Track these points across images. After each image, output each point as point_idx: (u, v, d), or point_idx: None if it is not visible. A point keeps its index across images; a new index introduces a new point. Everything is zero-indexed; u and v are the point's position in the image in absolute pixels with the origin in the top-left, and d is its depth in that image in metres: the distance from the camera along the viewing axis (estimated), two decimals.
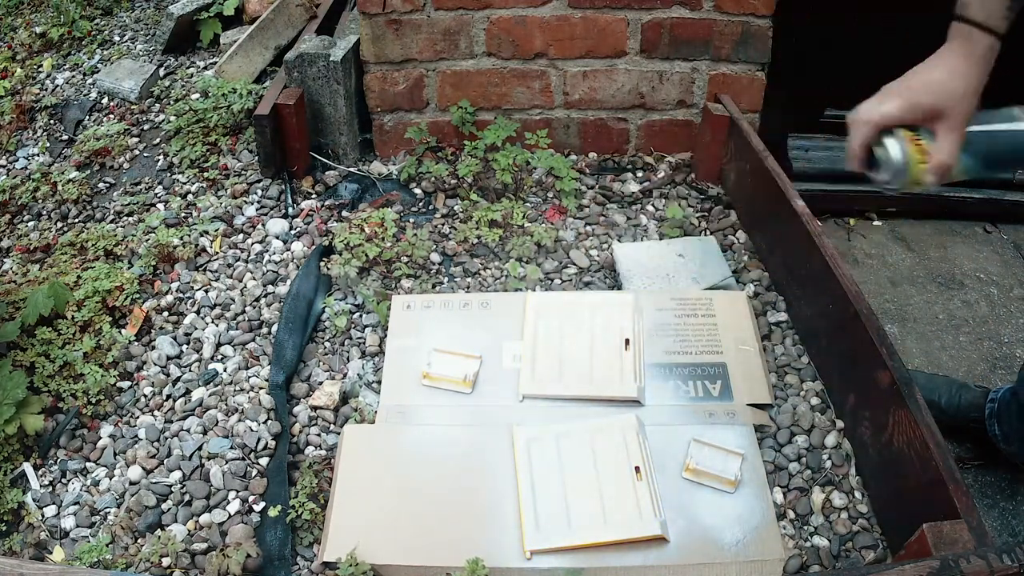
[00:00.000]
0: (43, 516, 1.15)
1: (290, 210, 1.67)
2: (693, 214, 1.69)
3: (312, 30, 1.96)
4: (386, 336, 1.36)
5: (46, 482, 1.20)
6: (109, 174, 1.88)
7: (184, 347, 1.39)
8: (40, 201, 1.80)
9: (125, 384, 1.34)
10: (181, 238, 1.58)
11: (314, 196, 1.72)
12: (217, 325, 1.42)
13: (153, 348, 1.39)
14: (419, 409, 1.23)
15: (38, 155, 1.99)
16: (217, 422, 1.26)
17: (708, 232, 1.64)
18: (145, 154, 1.92)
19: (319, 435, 1.24)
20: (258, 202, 1.70)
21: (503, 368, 1.29)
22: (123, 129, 1.98)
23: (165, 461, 1.21)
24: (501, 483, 1.12)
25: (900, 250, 2.01)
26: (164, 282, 1.52)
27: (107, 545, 1.09)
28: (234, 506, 1.15)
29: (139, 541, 1.11)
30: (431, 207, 1.71)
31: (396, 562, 1.03)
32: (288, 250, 1.58)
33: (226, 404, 1.29)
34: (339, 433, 1.23)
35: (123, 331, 1.41)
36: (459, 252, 1.57)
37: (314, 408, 1.27)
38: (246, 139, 1.85)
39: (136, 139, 1.97)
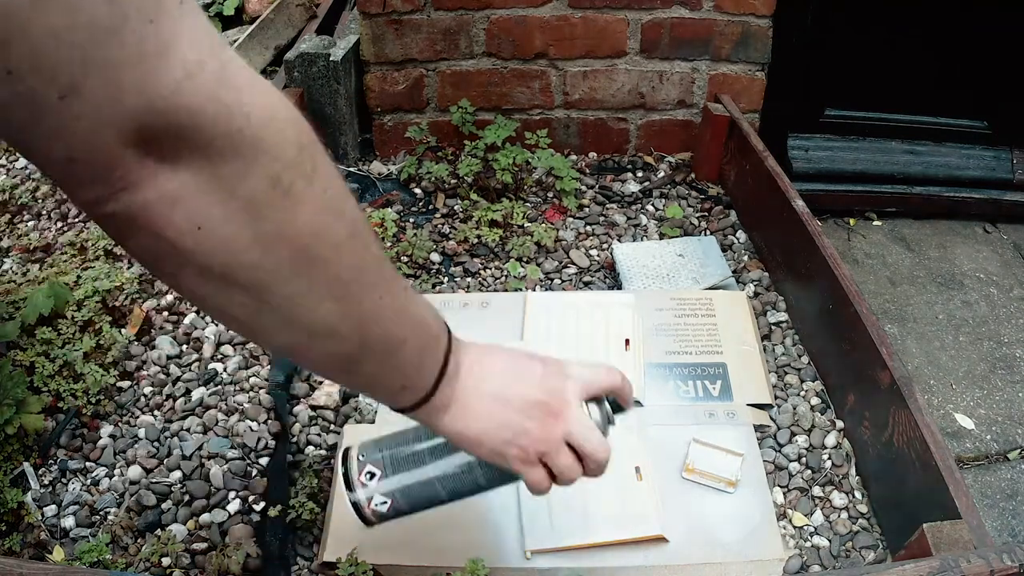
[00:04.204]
0: (43, 516, 1.15)
1: None
2: (693, 214, 1.69)
3: (312, 30, 1.96)
4: None
5: (46, 482, 1.20)
6: None
7: (184, 347, 1.39)
8: (40, 201, 1.80)
9: (125, 384, 1.34)
10: None
11: None
12: (217, 324, 1.42)
13: (153, 348, 1.39)
14: None
15: None
16: (217, 422, 1.26)
17: (708, 232, 1.64)
18: None
19: (319, 435, 1.24)
20: None
21: None
22: None
23: (165, 461, 1.21)
24: None
25: (900, 250, 2.01)
26: None
27: (107, 545, 1.09)
28: (234, 506, 1.15)
29: (139, 541, 1.11)
30: (431, 207, 1.70)
31: (396, 562, 1.03)
32: None
33: (226, 404, 1.29)
34: (339, 433, 1.23)
35: (123, 331, 1.41)
36: (459, 252, 1.57)
37: (314, 408, 1.27)
38: None
39: None
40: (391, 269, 0.63)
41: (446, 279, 1.52)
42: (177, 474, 1.19)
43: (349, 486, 0.81)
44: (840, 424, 1.23)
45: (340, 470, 0.82)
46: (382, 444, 0.83)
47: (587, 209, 1.69)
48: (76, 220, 1.75)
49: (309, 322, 0.58)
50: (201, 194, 0.48)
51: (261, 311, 0.56)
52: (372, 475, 0.80)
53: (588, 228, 1.65)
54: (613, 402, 0.78)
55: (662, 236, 1.62)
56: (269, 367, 1.34)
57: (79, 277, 1.47)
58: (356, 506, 0.81)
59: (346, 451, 0.83)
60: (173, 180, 0.47)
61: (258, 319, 0.57)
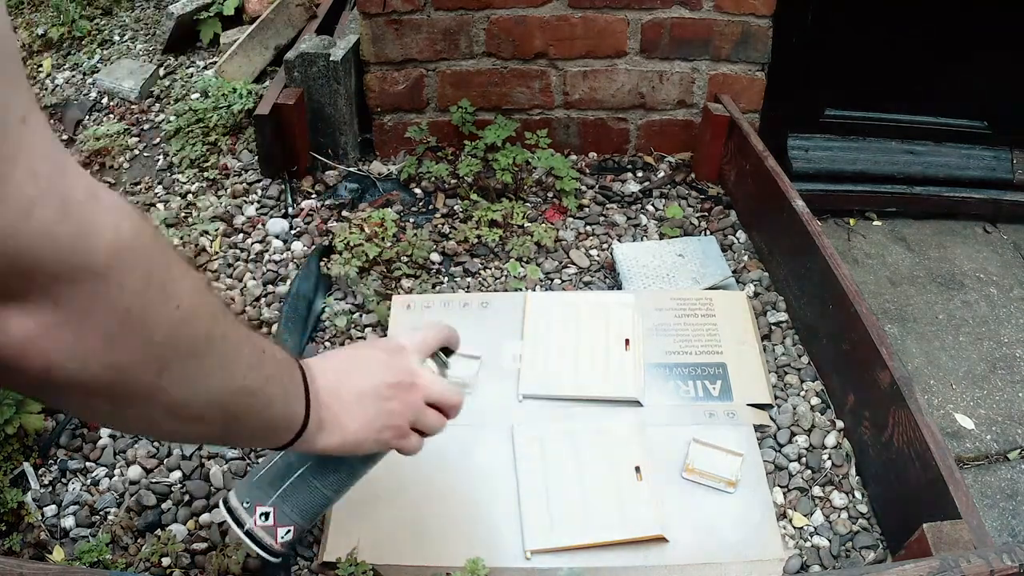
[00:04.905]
0: (43, 516, 1.15)
1: (290, 210, 1.67)
2: (693, 214, 1.69)
3: (312, 30, 1.96)
4: (386, 336, 1.36)
5: (46, 482, 1.20)
6: (109, 174, 1.88)
7: None
8: None
9: None
10: (181, 238, 1.58)
11: (314, 196, 1.72)
12: None
13: None
14: None
15: None
16: None
17: (708, 232, 1.64)
18: (145, 154, 1.92)
19: None
20: (258, 202, 1.70)
21: (503, 368, 1.29)
22: (123, 129, 1.98)
23: (165, 461, 1.21)
24: (501, 483, 1.12)
25: (900, 250, 2.01)
26: None
27: (107, 545, 1.09)
28: None
29: (139, 541, 1.11)
30: (431, 207, 1.70)
31: (396, 562, 1.03)
32: (288, 250, 1.58)
33: None
34: None
35: None
36: (459, 252, 1.57)
37: None
38: (246, 139, 1.85)
39: (136, 139, 1.97)
40: (243, 323, 0.64)
41: (446, 279, 1.52)
42: (177, 474, 1.19)
43: (253, 538, 0.85)
44: (840, 424, 1.23)
45: (228, 519, 0.85)
46: (260, 480, 0.87)
47: (587, 209, 1.69)
48: None
49: (186, 414, 0.58)
50: (54, 332, 0.45)
51: (136, 415, 0.56)
52: (266, 515, 0.85)
53: (588, 228, 1.65)
54: (444, 349, 0.90)
55: (662, 236, 1.62)
56: None
57: None
58: (264, 547, 0.86)
59: (226, 500, 0.86)
60: (23, 322, 0.44)
61: (146, 419, 0.58)
